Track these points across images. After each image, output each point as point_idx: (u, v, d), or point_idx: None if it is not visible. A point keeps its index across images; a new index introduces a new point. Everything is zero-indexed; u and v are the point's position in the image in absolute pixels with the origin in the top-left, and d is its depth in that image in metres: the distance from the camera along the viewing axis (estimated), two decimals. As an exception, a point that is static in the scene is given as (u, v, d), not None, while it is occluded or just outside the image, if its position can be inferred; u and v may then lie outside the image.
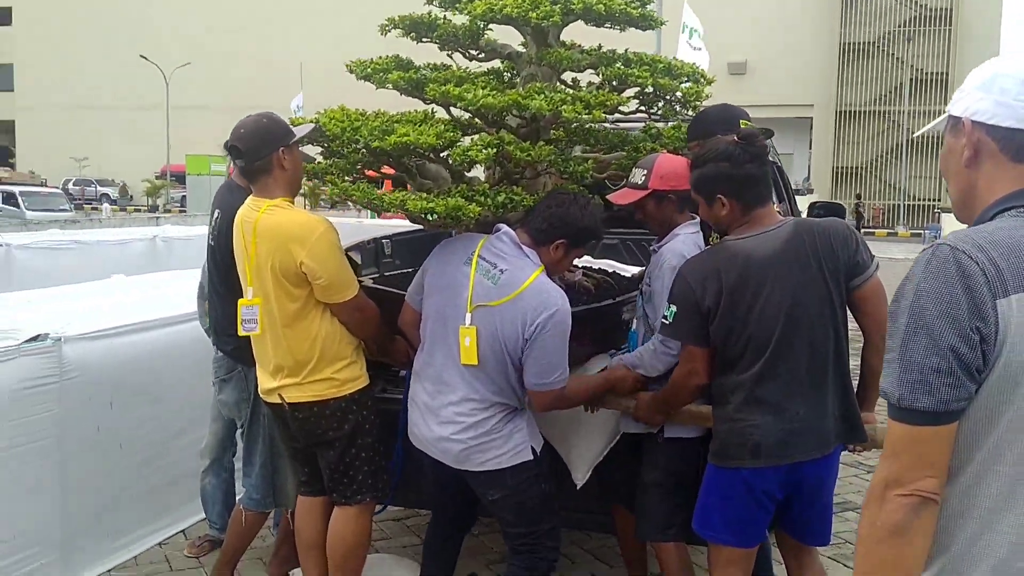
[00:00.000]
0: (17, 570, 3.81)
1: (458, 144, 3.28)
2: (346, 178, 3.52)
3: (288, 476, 3.96)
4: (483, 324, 3.10)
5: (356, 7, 47.37)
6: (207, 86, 52.07)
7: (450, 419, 3.18)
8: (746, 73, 42.76)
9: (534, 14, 3.32)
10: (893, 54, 43.27)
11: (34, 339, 3.89)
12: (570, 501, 3.60)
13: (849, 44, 43.65)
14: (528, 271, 3.11)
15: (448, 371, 3.19)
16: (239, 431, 4.14)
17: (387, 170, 3.68)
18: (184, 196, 39.97)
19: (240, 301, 3.40)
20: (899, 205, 43.01)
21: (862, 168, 44.34)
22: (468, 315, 3.12)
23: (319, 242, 3.23)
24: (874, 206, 43.63)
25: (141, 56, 48.19)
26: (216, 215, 3.86)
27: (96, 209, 42.70)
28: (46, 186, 39.11)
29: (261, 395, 3.55)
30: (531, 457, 3.22)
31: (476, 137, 3.31)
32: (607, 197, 3.49)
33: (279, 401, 3.41)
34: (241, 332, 3.41)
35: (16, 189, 31.51)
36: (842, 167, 44.58)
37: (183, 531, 4.73)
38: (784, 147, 42.95)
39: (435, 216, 3.08)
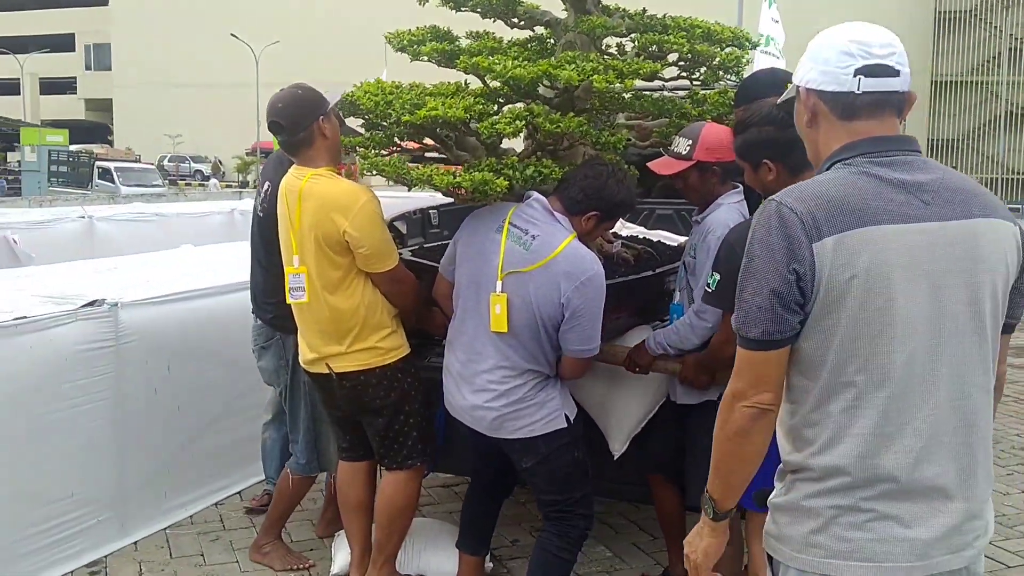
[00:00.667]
0: (75, 527, 3.99)
1: (488, 116, 3.24)
2: (381, 152, 3.53)
3: (331, 441, 4.03)
4: (515, 291, 3.09)
5: (440, -18, 47.45)
6: (295, 63, 52.55)
7: (483, 387, 3.19)
8: (836, 43, 41.56)
9: None
10: (991, 23, 41.61)
11: (91, 304, 4.04)
12: (606, 471, 3.60)
13: (944, 12, 42.10)
14: (560, 236, 3.09)
15: (480, 339, 3.20)
16: (281, 400, 4.20)
17: (429, 141, 3.69)
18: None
19: (287, 269, 3.44)
20: (997, 179, 41.44)
21: (958, 140, 42.86)
22: (499, 282, 3.10)
23: (362, 211, 3.26)
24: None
25: (232, 35, 49.19)
26: (267, 187, 3.90)
27: (190, 185, 43.89)
28: (140, 162, 40.28)
29: (304, 365, 3.60)
30: (564, 425, 3.22)
31: (506, 109, 3.29)
32: (648, 165, 3.45)
33: (326, 371, 3.45)
34: (289, 300, 3.46)
35: (112, 165, 32.64)
36: (937, 139, 43.13)
37: (239, 492, 4.87)
38: (876, 119, 41.66)
39: (463, 190, 3.07)
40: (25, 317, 3.78)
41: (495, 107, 3.41)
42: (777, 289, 1.72)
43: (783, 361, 1.79)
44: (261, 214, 3.96)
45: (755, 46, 3.65)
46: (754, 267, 1.77)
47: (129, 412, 4.21)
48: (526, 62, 3.25)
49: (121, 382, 4.15)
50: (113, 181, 30.51)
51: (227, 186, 45.46)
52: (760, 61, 12.71)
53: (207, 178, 50.48)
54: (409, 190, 3.36)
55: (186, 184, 45.04)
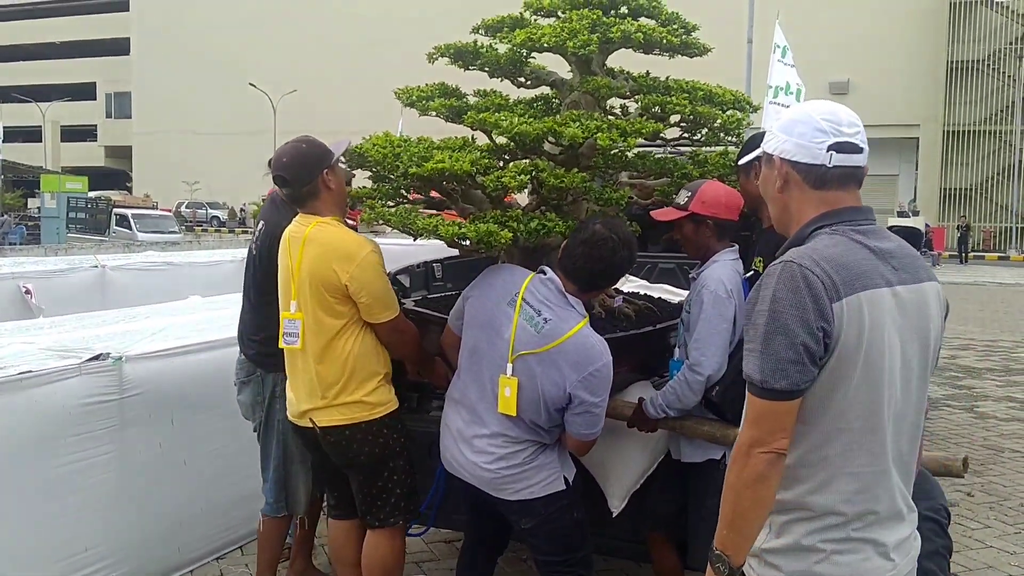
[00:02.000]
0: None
1: (494, 170, 3.30)
2: (388, 203, 3.59)
3: (301, 483, 4.07)
4: (522, 372, 3.09)
5: (457, 37, 48.11)
6: (312, 112, 53.43)
7: (482, 449, 3.19)
8: (848, 92, 41.69)
9: (571, 43, 3.38)
10: (1004, 72, 41.77)
11: (95, 358, 4.07)
12: (606, 528, 3.58)
13: (956, 63, 42.25)
14: (572, 322, 3.09)
15: (481, 406, 3.21)
16: (254, 433, 4.22)
17: (434, 194, 3.75)
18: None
19: (284, 314, 3.48)
20: (1011, 228, 41.37)
21: (972, 189, 42.79)
22: (510, 365, 3.10)
23: (364, 261, 3.30)
24: (984, 228, 42.06)
25: (250, 84, 49.93)
26: (260, 226, 4.01)
27: (206, 231, 44.26)
28: (157, 209, 40.64)
29: (291, 419, 3.62)
30: (563, 487, 3.21)
31: (512, 164, 3.35)
32: (651, 213, 3.54)
33: (310, 425, 3.47)
34: (282, 344, 3.49)
35: (129, 212, 32.91)
36: (950, 188, 43.10)
37: (240, 547, 4.85)
38: (889, 168, 41.81)
39: (468, 241, 3.11)
40: (30, 371, 3.81)
41: (501, 162, 3.47)
42: (808, 344, 1.88)
43: (797, 409, 1.94)
44: (254, 252, 4.02)
45: (755, 110, 3.71)
46: (781, 323, 1.89)
47: (135, 466, 4.22)
48: (532, 119, 3.33)
49: (126, 436, 4.16)
50: (130, 227, 30.76)
51: (244, 232, 45.83)
52: (769, 112, 12.83)
53: (223, 224, 50.94)
54: (414, 240, 3.40)
55: (202, 230, 45.43)
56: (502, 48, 3.74)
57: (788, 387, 1.89)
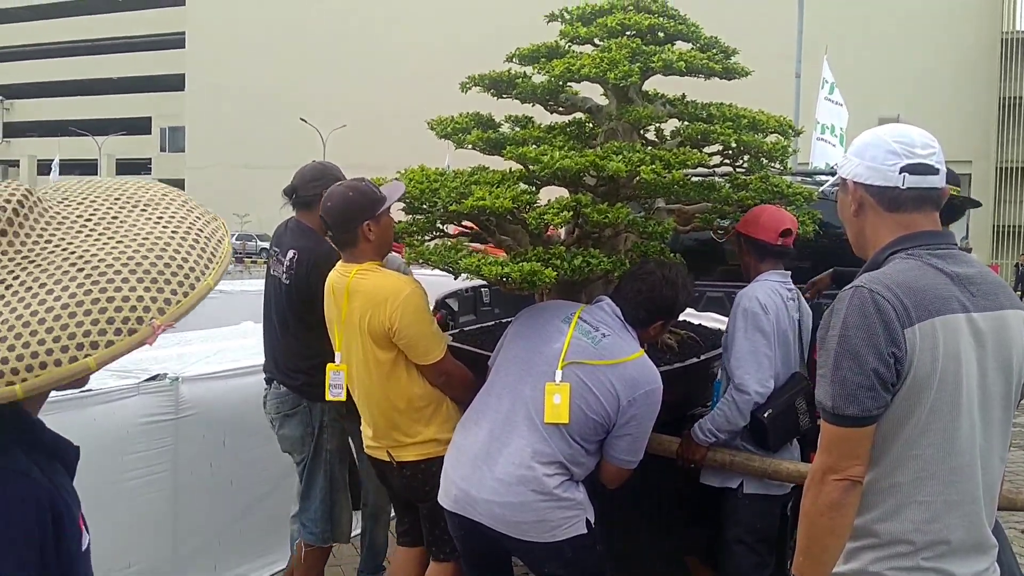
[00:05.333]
0: (131, 596, 4.06)
1: (535, 207, 3.28)
2: (425, 238, 3.60)
3: (344, 511, 4.10)
4: (572, 382, 2.98)
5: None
6: (361, 147, 54.10)
7: (506, 473, 2.97)
8: (899, 128, 41.36)
9: (612, 74, 3.33)
10: (1056, 108, 41.23)
11: (153, 378, 4.19)
12: (642, 554, 3.58)
13: (1009, 99, 41.77)
14: (632, 347, 3.06)
15: (514, 420, 3.04)
16: (298, 467, 4.16)
17: (468, 224, 3.74)
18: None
19: (329, 366, 3.54)
20: (1065, 265, 40.58)
21: (1025, 227, 42.13)
22: (559, 372, 2.99)
23: (404, 304, 3.26)
24: (1040, 267, 41.31)
25: (301, 119, 50.75)
26: (291, 255, 3.98)
27: (255, 263, 44.83)
28: (209, 241, 41.22)
29: (366, 451, 3.64)
30: (587, 530, 3.02)
31: (553, 200, 3.33)
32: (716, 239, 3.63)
33: (387, 459, 3.50)
34: (328, 397, 3.54)
35: (181, 243, 33.47)
36: (1004, 225, 42.44)
37: (281, 570, 4.90)
38: (939, 205, 41.17)
39: (511, 281, 3.07)
40: (91, 390, 3.93)
41: (538, 196, 3.45)
42: (879, 370, 1.86)
43: (872, 436, 1.92)
44: (287, 281, 3.98)
45: (798, 134, 3.70)
46: (851, 348, 1.89)
47: (185, 485, 4.31)
48: (572, 151, 3.31)
49: (179, 455, 4.26)
50: (182, 259, 31.31)
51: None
52: (817, 148, 12.78)
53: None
54: (455, 279, 3.40)
55: (252, 262, 46.02)
56: (539, 78, 3.74)
57: (859, 413, 1.88)
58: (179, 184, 54.23)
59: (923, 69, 41.98)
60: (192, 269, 1.24)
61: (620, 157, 3.21)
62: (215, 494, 4.51)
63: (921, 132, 2.04)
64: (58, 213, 1.30)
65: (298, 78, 59.24)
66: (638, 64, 3.39)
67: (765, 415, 3.22)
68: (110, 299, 1.17)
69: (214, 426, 4.47)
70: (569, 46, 3.80)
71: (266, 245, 54.09)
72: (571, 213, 3.18)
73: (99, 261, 1.21)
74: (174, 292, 1.21)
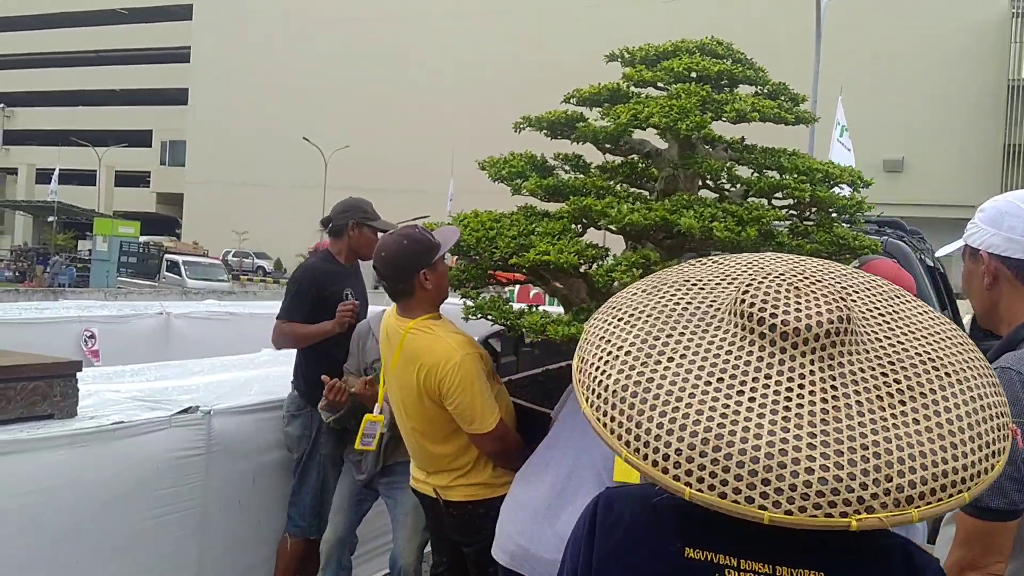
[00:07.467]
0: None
1: (601, 263, 3.17)
2: (478, 289, 3.51)
3: (330, 511, 4.37)
4: None
5: (505, 100, 48.82)
6: (362, 168, 54.22)
7: (568, 531, 2.87)
8: (903, 171, 41.48)
9: (683, 125, 3.20)
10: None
11: (185, 411, 4.05)
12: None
13: (1014, 145, 41.95)
14: None
15: (581, 473, 2.92)
16: (295, 464, 4.54)
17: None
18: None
19: (367, 416, 3.62)
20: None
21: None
22: None
23: (453, 372, 3.14)
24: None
25: (304, 139, 50.76)
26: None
27: (251, 280, 44.72)
28: (207, 256, 41.16)
29: (412, 484, 3.58)
30: None
31: (620, 256, 3.21)
32: None
33: (434, 496, 3.40)
34: (357, 446, 3.67)
35: (180, 259, 33.36)
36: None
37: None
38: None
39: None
40: (122, 422, 3.80)
41: (603, 251, 3.34)
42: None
43: (1015, 529, 1.81)
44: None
45: (867, 185, 3.60)
46: None
47: (213, 523, 4.17)
48: (638, 204, 3.20)
49: (208, 492, 4.12)
50: (180, 274, 31.18)
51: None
52: (836, 150, 12.88)
53: (267, 274, 51.55)
54: (510, 333, 3.29)
55: (248, 279, 45.91)
56: (599, 123, 3.62)
57: (1005, 506, 1.75)
58: (177, 199, 54.74)
59: (929, 113, 42.16)
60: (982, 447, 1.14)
61: (691, 213, 3.09)
62: (242, 533, 4.38)
63: None
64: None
65: (302, 97, 59.30)
66: (709, 114, 3.27)
67: None
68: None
69: (243, 462, 4.34)
70: (628, 87, 3.69)
71: (263, 264, 54.18)
72: (640, 271, 3.02)
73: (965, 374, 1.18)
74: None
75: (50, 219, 50.38)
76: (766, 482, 1.05)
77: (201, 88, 65.79)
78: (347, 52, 58.19)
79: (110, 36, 74.90)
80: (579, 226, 3.46)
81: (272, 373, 5.50)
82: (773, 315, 1.18)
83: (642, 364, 1.21)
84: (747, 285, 1.26)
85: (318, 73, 59.10)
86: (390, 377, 3.37)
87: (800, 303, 1.20)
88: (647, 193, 3.58)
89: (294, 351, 4.65)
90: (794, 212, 3.64)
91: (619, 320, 1.31)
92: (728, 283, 1.36)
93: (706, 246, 3.33)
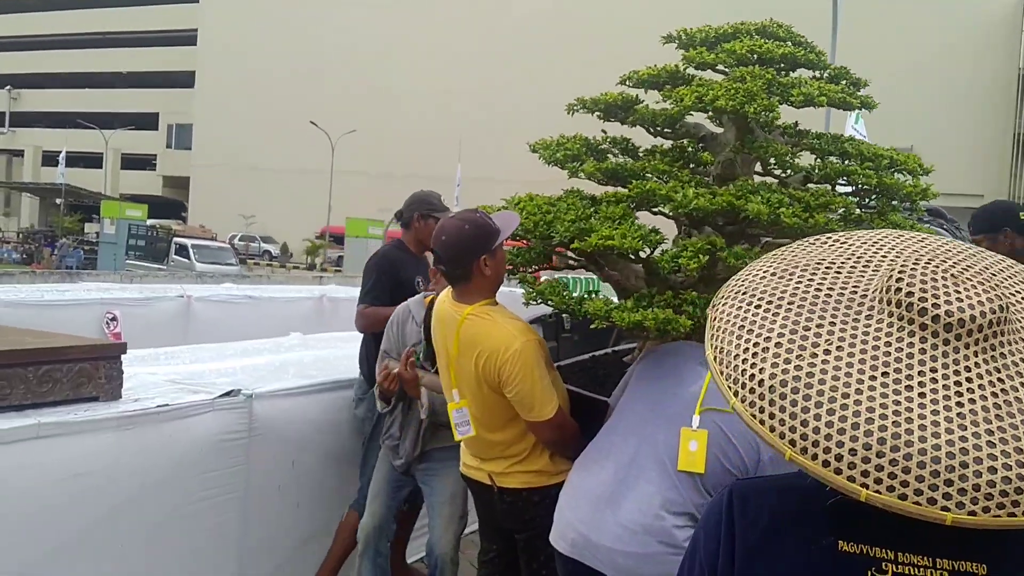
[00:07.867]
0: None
1: (665, 249, 3.10)
2: (531, 268, 3.45)
3: None
4: (710, 429, 2.77)
5: (512, 85, 48.70)
6: (369, 153, 54.14)
7: (630, 520, 2.79)
8: (911, 160, 41.42)
9: (750, 108, 3.11)
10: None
11: (227, 394, 4.01)
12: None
13: (1022, 135, 41.82)
14: None
15: (641, 463, 2.84)
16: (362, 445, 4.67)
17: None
18: (340, 256, 41.39)
19: (449, 405, 3.40)
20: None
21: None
22: (696, 417, 2.77)
23: (513, 359, 3.08)
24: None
25: (311, 123, 50.67)
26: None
27: (258, 264, 44.72)
28: (216, 240, 41.07)
29: (463, 470, 3.52)
30: None
31: (685, 242, 3.13)
32: None
33: (488, 482, 3.35)
34: (457, 437, 3.40)
35: (189, 242, 33.27)
36: (1020, 195, 42.37)
37: (346, 600, 4.73)
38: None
39: (645, 330, 2.87)
40: (167, 405, 3.75)
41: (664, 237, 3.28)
42: None
43: None
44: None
45: (927, 172, 3.52)
46: None
47: (254, 506, 4.13)
48: (701, 188, 3.13)
49: (250, 475, 4.07)
50: (188, 257, 31.12)
51: (295, 267, 46.21)
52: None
53: (273, 258, 51.58)
54: (570, 318, 3.23)
55: (254, 263, 45.88)
56: (659, 105, 3.57)
57: None
58: (183, 182, 54.83)
59: (939, 103, 42.00)
60: None
61: (759, 198, 3.02)
62: (281, 517, 4.33)
63: None
64: None
65: (309, 81, 59.14)
66: (776, 98, 3.20)
67: None
68: None
69: (284, 446, 4.29)
70: (686, 69, 3.62)
71: (269, 248, 54.14)
72: (707, 257, 2.97)
73: None
74: None
75: (57, 201, 50.42)
76: (949, 483, 1.01)
77: (208, 71, 65.63)
78: (354, 36, 57.99)
79: (117, 18, 74.74)
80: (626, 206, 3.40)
81: (305, 357, 5.47)
82: (935, 305, 1.13)
83: (797, 357, 1.16)
84: (899, 271, 1.20)
85: (325, 57, 58.94)
86: (455, 364, 3.29)
87: (960, 292, 1.14)
88: (707, 178, 3.51)
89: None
90: (853, 199, 3.58)
91: (756, 307, 1.25)
92: (864, 266, 1.30)
93: (769, 232, 3.27)
